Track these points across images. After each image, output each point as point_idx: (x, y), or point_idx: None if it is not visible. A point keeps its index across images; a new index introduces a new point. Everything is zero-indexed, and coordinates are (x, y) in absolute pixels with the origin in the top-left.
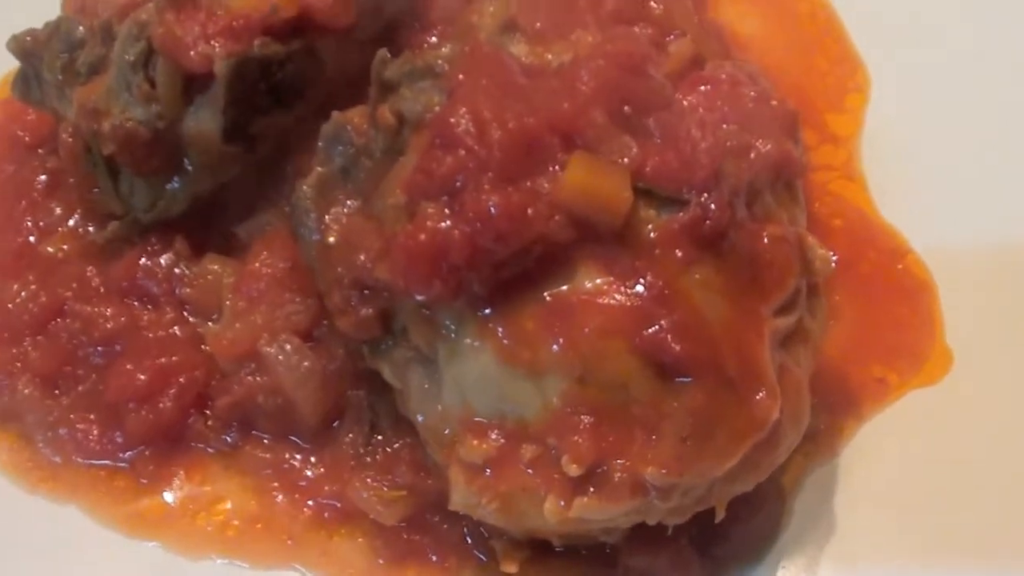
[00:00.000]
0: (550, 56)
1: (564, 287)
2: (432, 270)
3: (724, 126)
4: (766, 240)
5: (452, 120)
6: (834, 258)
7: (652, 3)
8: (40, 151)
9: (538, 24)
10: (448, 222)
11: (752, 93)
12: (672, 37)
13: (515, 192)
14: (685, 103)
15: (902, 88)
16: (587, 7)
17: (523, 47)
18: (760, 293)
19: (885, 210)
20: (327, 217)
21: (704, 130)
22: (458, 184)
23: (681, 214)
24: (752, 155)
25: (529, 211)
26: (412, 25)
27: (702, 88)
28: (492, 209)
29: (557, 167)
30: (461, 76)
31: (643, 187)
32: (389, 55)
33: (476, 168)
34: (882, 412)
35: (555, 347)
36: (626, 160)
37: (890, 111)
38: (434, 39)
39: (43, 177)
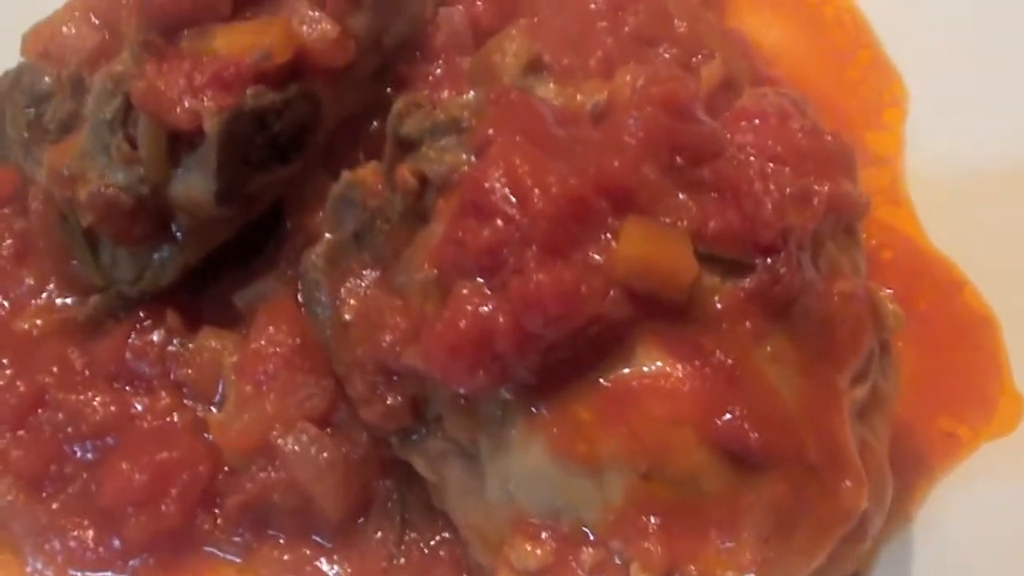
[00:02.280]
0: (581, 97)
1: (623, 370)
2: (474, 361)
3: (782, 169)
4: (837, 299)
5: (486, 184)
6: (900, 313)
7: (676, 21)
8: (5, 211)
9: (565, 60)
10: (489, 306)
11: (801, 126)
12: (699, 57)
13: (565, 268)
14: (736, 143)
15: (942, 97)
16: (607, 29)
17: (551, 88)
18: (835, 361)
19: (935, 236)
20: (342, 290)
21: (765, 180)
22: (497, 260)
23: (748, 280)
24: (815, 201)
25: (582, 289)
26: (413, 55)
27: (750, 124)
28: (540, 290)
29: (609, 235)
30: (491, 131)
31: (704, 251)
32: (405, 108)
33: (518, 240)
34: (954, 469)
35: (615, 439)
36: (685, 222)
37: (931, 124)
38: (439, 71)
39: (9, 241)
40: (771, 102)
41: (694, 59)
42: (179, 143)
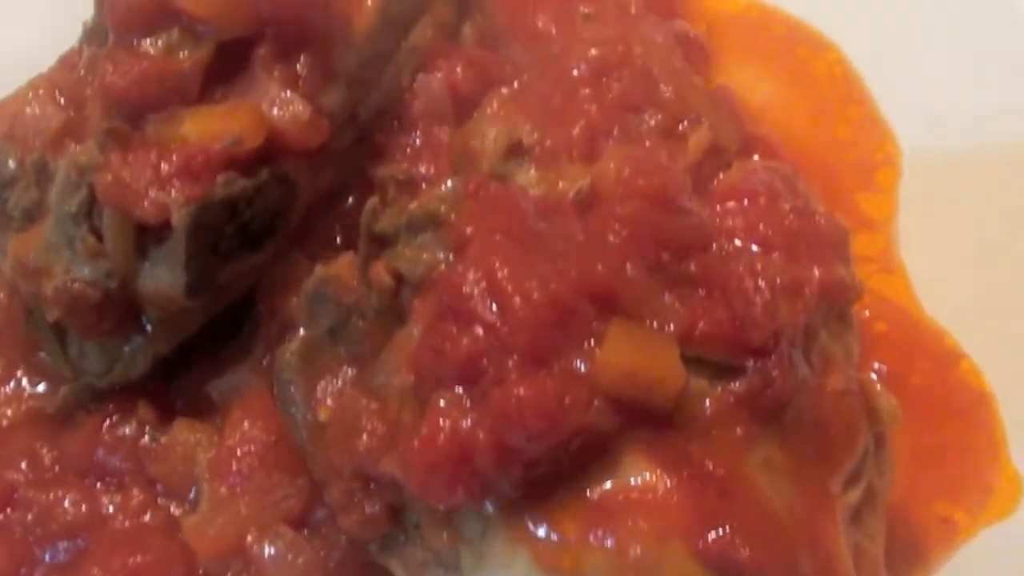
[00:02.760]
0: (564, 184)
1: (608, 483)
2: (454, 478)
3: (771, 258)
4: (830, 398)
5: (464, 288)
6: (897, 407)
7: (662, 85)
8: None
9: (548, 141)
10: (469, 420)
11: (793, 207)
12: (686, 123)
13: (548, 379)
14: (724, 227)
15: (939, 156)
16: (591, 96)
17: (532, 174)
18: (828, 464)
19: (929, 305)
20: (318, 390)
21: (754, 275)
22: (477, 369)
23: (737, 384)
24: (806, 291)
25: (566, 401)
26: (391, 125)
27: (738, 205)
28: (522, 404)
29: (592, 341)
30: (469, 229)
31: (692, 355)
32: (378, 204)
33: (498, 349)
34: (951, 558)
35: (602, 554)
36: (671, 325)
37: (926, 184)
38: (418, 141)
39: None
40: (760, 179)
41: (680, 125)
42: (147, 235)
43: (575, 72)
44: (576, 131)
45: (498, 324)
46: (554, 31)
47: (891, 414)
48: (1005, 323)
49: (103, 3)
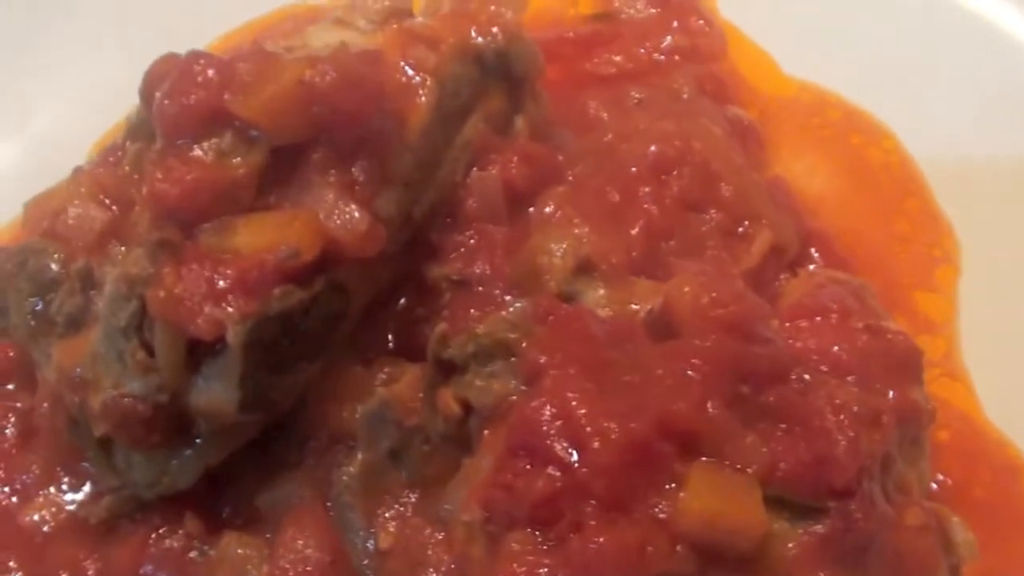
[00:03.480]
0: (635, 305)
1: None
2: None
3: (848, 386)
4: (909, 533)
5: (540, 424)
6: (974, 542)
7: (723, 184)
8: (10, 387)
9: (614, 258)
10: (546, 568)
11: (866, 325)
12: (747, 224)
13: (628, 527)
14: (798, 351)
15: (999, 257)
16: (651, 196)
17: (601, 293)
18: None
19: (992, 413)
20: (379, 515)
21: (836, 411)
22: (553, 511)
23: (819, 526)
24: (884, 420)
25: (648, 549)
26: (444, 223)
27: (809, 324)
28: (603, 552)
29: (674, 484)
30: (543, 359)
31: (773, 495)
32: (447, 331)
33: (575, 492)
34: None
35: None
36: (754, 467)
37: (988, 286)
38: (473, 241)
39: (13, 420)
40: (830, 295)
41: (741, 226)
42: (199, 350)
43: (633, 169)
44: (636, 231)
45: (576, 465)
46: (606, 117)
47: (968, 548)
48: None
49: (151, 104)
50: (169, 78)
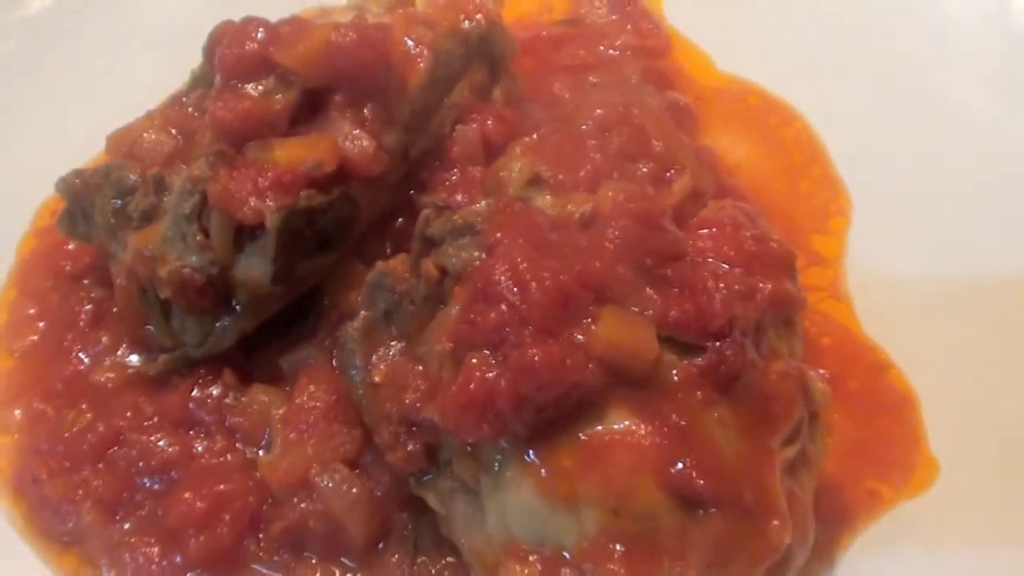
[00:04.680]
0: (572, 207)
1: (598, 428)
2: (480, 416)
3: (732, 270)
4: (773, 377)
5: (493, 277)
6: (827, 391)
7: (653, 141)
8: (85, 281)
9: (560, 176)
10: (494, 373)
11: (752, 235)
12: (672, 172)
13: (555, 345)
14: (695, 249)
15: (881, 211)
16: (597, 147)
17: (548, 199)
18: (769, 427)
19: (868, 327)
20: (374, 358)
21: (716, 279)
22: (501, 337)
23: (700, 359)
24: (757, 297)
25: (567, 361)
26: (433, 164)
27: (708, 231)
28: (534, 360)
29: (590, 320)
30: (499, 234)
31: (665, 335)
32: (431, 214)
33: (517, 322)
34: (876, 522)
35: (590, 482)
36: (650, 312)
37: (871, 233)
38: (455, 177)
39: (88, 307)
40: (728, 213)
41: (668, 173)
42: (244, 234)
43: (584, 127)
44: (583, 173)
45: (518, 303)
46: (568, 96)
47: (823, 395)
48: (928, 342)
49: (213, 55)
50: (228, 35)
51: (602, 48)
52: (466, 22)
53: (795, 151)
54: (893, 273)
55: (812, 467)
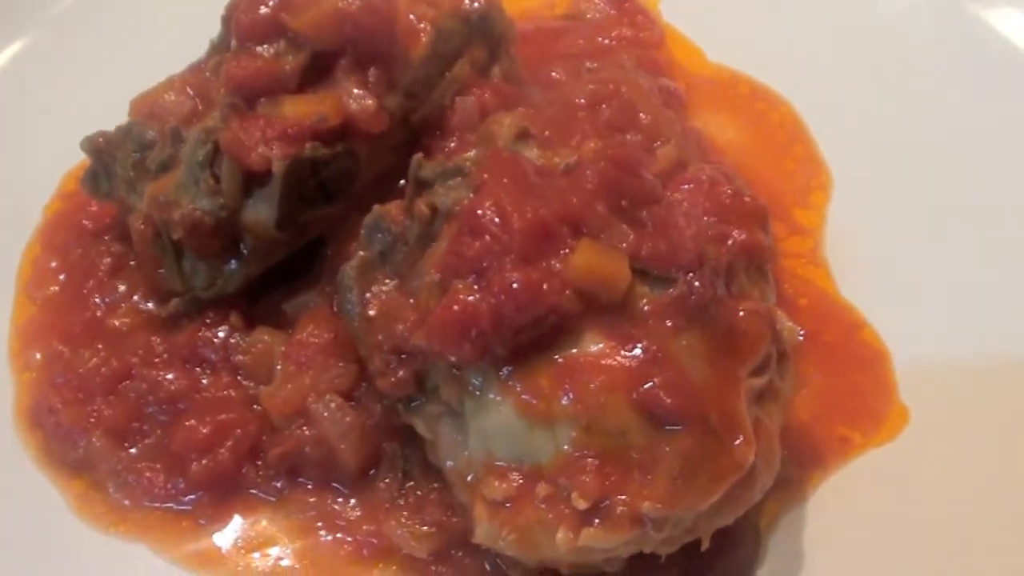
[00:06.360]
0: (557, 159)
1: (573, 350)
2: (463, 335)
3: (705, 218)
4: (742, 313)
5: (479, 211)
6: (801, 332)
7: (641, 115)
8: (105, 237)
9: (547, 133)
10: (476, 296)
11: (728, 190)
12: (658, 143)
13: (533, 270)
14: (672, 198)
15: (859, 187)
16: (586, 118)
17: (535, 151)
18: (737, 357)
19: (845, 290)
20: (368, 294)
21: (688, 220)
22: (484, 265)
23: (671, 290)
24: (729, 242)
25: (544, 286)
26: (434, 133)
27: (686, 186)
28: (514, 284)
29: (567, 250)
30: (485, 175)
31: (639, 268)
32: (423, 157)
33: (500, 251)
34: (846, 466)
35: (565, 401)
36: (624, 245)
37: (849, 206)
38: (453, 144)
39: (107, 260)
40: (706, 172)
41: (654, 145)
42: (252, 180)
43: (576, 100)
44: (573, 141)
45: (500, 234)
46: (564, 79)
47: (790, 333)
48: (900, 308)
49: (230, 20)
50: (244, 2)
51: (599, 39)
52: (467, 3)
53: (780, 132)
54: (868, 241)
55: (780, 401)
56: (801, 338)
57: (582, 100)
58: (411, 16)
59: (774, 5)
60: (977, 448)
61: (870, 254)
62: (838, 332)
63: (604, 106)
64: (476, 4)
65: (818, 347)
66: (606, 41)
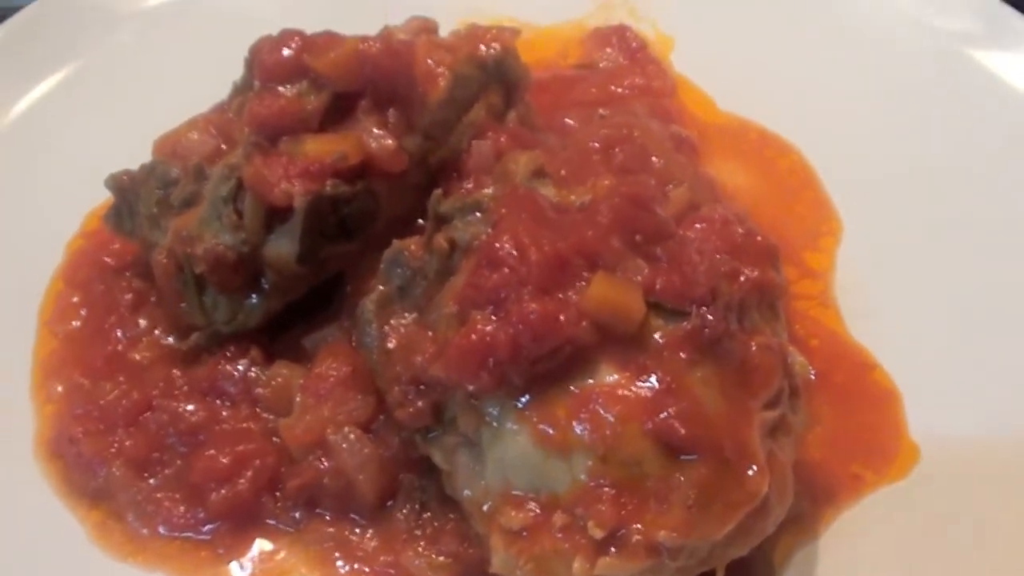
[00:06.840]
0: (573, 197)
1: (589, 381)
2: (480, 364)
3: (718, 255)
4: (755, 347)
5: (497, 245)
6: (812, 372)
7: (654, 158)
8: (127, 274)
9: (562, 172)
10: (494, 326)
11: (740, 230)
12: (671, 186)
13: (550, 302)
14: (685, 236)
15: (868, 233)
16: (600, 160)
17: (551, 189)
18: (750, 390)
19: (855, 332)
20: (387, 327)
21: (702, 256)
22: (502, 296)
23: (685, 324)
24: (742, 278)
25: (561, 317)
26: (451, 175)
27: (699, 225)
28: (531, 315)
29: (583, 283)
30: (503, 210)
31: (653, 301)
32: (442, 195)
33: (517, 283)
34: (858, 503)
35: (581, 431)
36: (639, 278)
37: (858, 251)
38: (469, 186)
39: (129, 296)
40: (719, 212)
41: (667, 187)
42: (274, 216)
43: (591, 144)
44: (588, 182)
45: (518, 266)
46: (577, 126)
47: (802, 367)
48: (911, 346)
49: (253, 62)
50: (268, 44)
51: (612, 88)
52: (483, 49)
53: (789, 178)
54: (876, 284)
55: (792, 435)
56: (813, 377)
57: (596, 144)
58: (429, 60)
59: (784, 56)
60: (987, 487)
61: (879, 297)
62: (849, 372)
63: (617, 149)
64: (492, 50)
65: (829, 387)
66: (619, 90)
